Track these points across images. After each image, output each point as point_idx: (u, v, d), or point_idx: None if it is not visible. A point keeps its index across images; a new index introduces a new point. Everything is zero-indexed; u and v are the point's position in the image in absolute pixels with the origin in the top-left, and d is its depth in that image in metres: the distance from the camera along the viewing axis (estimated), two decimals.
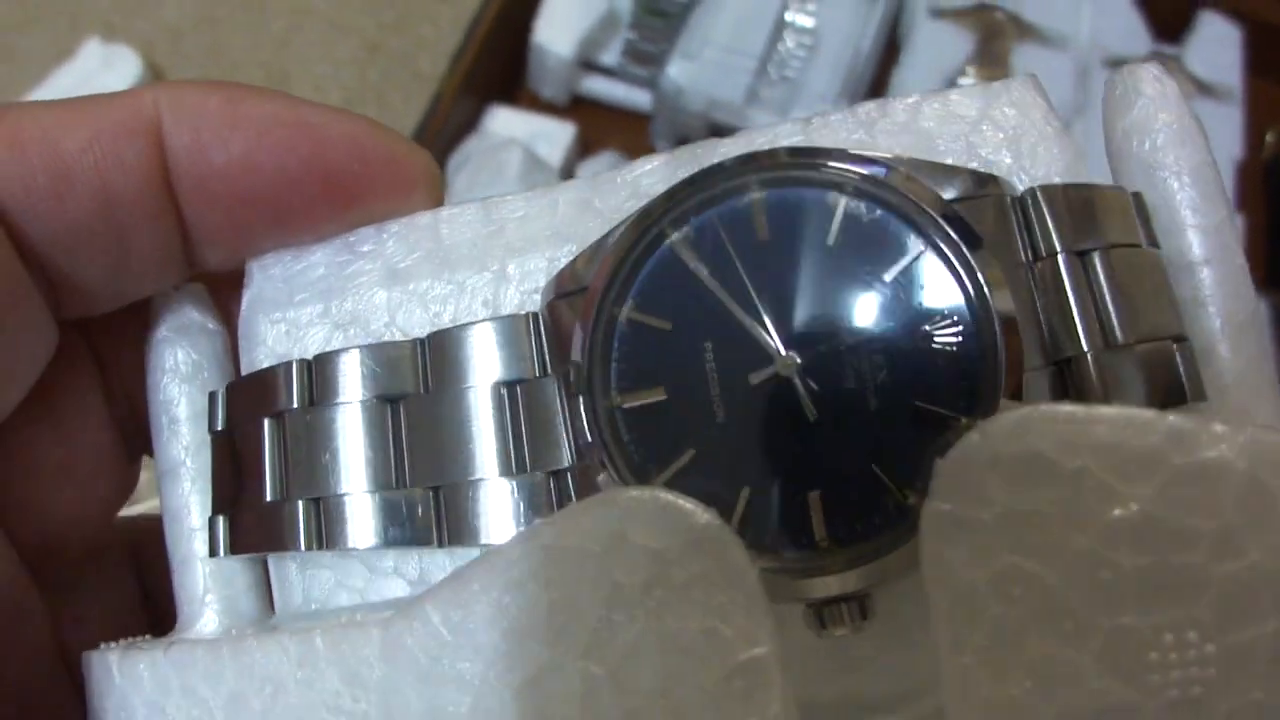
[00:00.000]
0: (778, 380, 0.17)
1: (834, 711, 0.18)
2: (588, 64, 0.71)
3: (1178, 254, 0.19)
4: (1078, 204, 0.18)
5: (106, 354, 0.22)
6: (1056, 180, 0.19)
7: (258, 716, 0.18)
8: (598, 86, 0.70)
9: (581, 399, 0.18)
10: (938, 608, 0.16)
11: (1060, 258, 0.18)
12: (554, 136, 0.67)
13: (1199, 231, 0.19)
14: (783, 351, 0.18)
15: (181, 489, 0.21)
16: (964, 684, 0.15)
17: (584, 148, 0.70)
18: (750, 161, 0.19)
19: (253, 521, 0.20)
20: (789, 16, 0.67)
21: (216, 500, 0.21)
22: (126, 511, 0.24)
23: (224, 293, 0.23)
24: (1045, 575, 0.16)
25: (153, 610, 0.24)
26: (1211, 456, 0.15)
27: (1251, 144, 0.65)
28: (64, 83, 0.64)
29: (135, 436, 0.23)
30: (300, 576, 0.20)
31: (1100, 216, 0.18)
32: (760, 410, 0.17)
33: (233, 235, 0.20)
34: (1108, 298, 0.18)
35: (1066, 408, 0.16)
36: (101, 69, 0.65)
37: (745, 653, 0.15)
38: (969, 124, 0.20)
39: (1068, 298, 0.18)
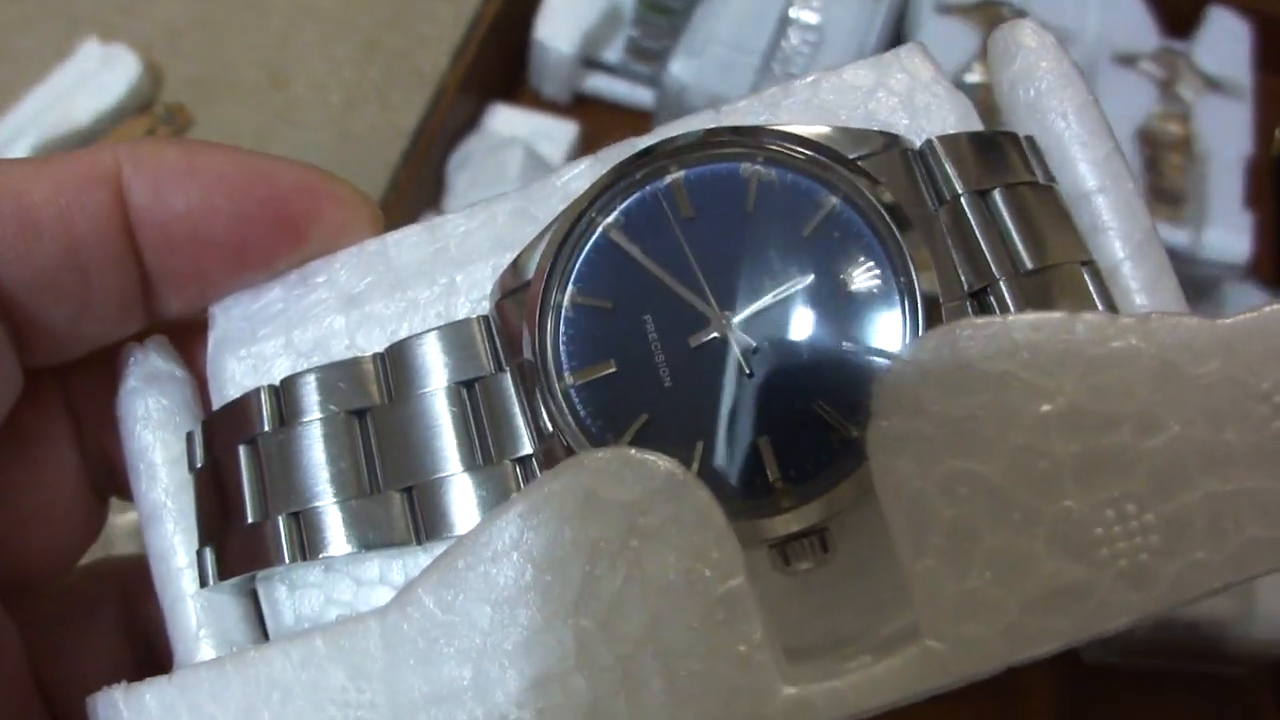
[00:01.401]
0: (716, 341, 0.19)
1: (810, 651, 0.18)
2: (590, 61, 0.70)
3: (1073, 186, 0.20)
4: (974, 148, 0.20)
5: (76, 399, 0.23)
6: (950, 129, 0.21)
7: None
8: (600, 84, 0.70)
9: (537, 384, 0.19)
10: (894, 519, 0.17)
11: (963, 198, 0.19)
12: (556, 135, 0.66)
13: (1089, 164, 0.20)
14: (718, 313, 0.19)
15: (165, 530, 0.22)
16: (929, 585, 0.17)
17: (586, 145, 0.68)
18: (667, 146, 0.20)
19: (238, 545, 0.21)
20: (793, 13, 0.67)
21: (203, 532, 0.21)
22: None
23: (186, 340, 0.23)
24: (988, 473, 0.17)
25: (137, 643, 0.25)
26: (1121, 345, 0.17)
27: (1262, 140, 0.64)
28: (63, 82, 0.64)
29: (104, 477, 0.24)
30: (290, 598, 0.21)
31: (996, 158, 0.20)
32: (704, 370, 0.19)
33: (193, 278, 0.22)
34: (1013, 230, 0.19)
35: (985, 318, 0.17)
36: (100, 68, 0.65)
37: (723, 586, 0.17)
38: (865, 93, 0.21)
39: (974, 234, 0.19)
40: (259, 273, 0.22)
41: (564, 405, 0.19)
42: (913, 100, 0.21)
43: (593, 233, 0.20)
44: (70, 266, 0.20)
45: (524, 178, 0.60)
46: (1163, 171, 0.61)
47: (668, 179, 0.20)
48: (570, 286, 0.20)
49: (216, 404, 0.23)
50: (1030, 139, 0.21)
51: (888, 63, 0.21)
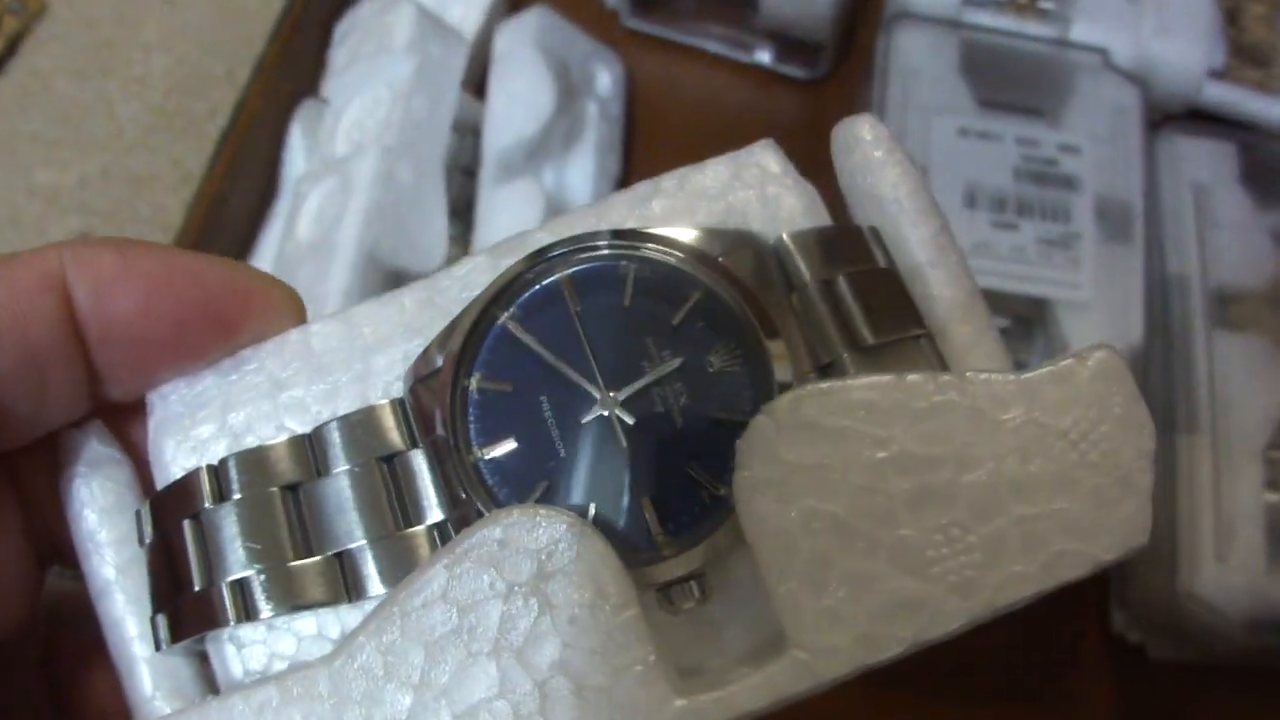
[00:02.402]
0: (602, 418, 0.22)
1: (697, 672, 0.21)
2: None
3: (910, 263, 0.23)
4: (820, 242, 0.23)
5: (20, 479, 0.25)
6: (800, 222, 0.24)
7: None
8: None
9: (449, 458, 0.22)
10: (760, 551, 0.20)
11: (810, 287, 0.23)
12: None
13: (920, 241, 0.23)
14: (604, 393, 0.22)
15: (116, 604, 0.24)
16: (792, 605, 0.20)
17: (511, 3, 0.61)
18: (556, 249, 0.23)
19: (188, 611, 0.23)
20: None
21: (155, 600, 0.23)
22: None
23: (124, 419, 0.26)
24: (835, 510, 0.20)
25: (60, 698, 0.27)
26: (941, 399, 0.20)
27: None
28: None
29: (46, 550, 0.26)
30: (238, 655, 0.23)
31: (840, 249, 0.23)
32: (593, 443, 0.22)
33: (134, 371, 0.24)
34: (855, 311, 0.22)
35: (827, 383, 0.21)
36: None
37: (621, 616, 0.20)
38: (724, 187, 0.24)
39: (821, 317, 0.22)
40: (194, 363, 0.24)
41: (474, 476, 0.22)
42: (765, 192, 0.24)
43: (494, 325, 0.23)
44: (28, 366, 0.22)
45: (414, 47, 0.51)
46: (1244, 26, 0.56)
47: (556, 276, 0.23)
48: (475, 373, 0.23)
49: (160, 484, 0.24)
50: (873, 229, 0.24)
51: (742, 160, 0.25)
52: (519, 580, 0.20)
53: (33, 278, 0.23)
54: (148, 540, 0.24)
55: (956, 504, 0.20)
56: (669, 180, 0.25)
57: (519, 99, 0.52)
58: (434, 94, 0.51)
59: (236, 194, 0.56)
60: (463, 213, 0.53)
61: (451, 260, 0.51)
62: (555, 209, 0.54)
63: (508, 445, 0.22)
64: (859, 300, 0.22)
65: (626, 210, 0.24)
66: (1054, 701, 0.50)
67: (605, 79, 0.57)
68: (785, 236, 0.23)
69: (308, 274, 0.48)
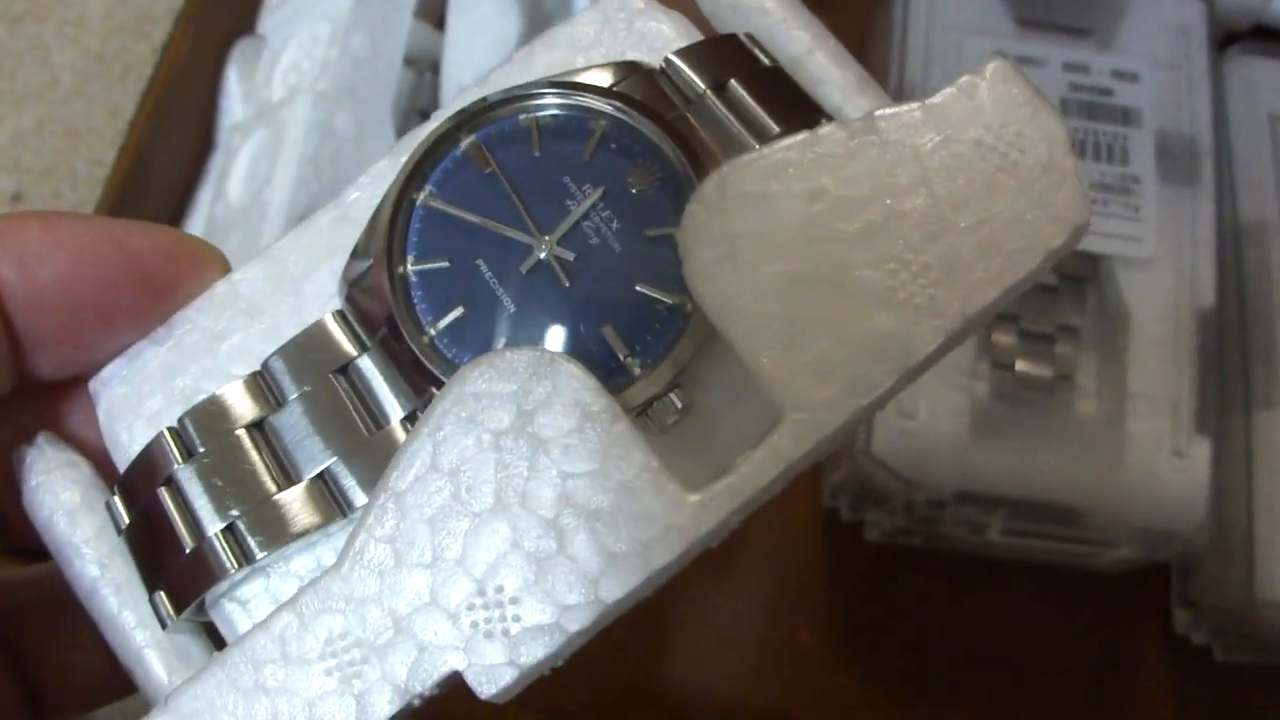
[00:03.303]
0: (541, 262, 0.22)
1: (696, 485, 0.20)
2: None
3: (790, 56, 0.23)
4: (705, 53, 0.24)
5: None
6: (678, 45, 0.24)
7: None
8: None
9: (403, 345, 0.22)
10: (727, 332, 0.20)
11: (707, 95, 0.23)
12: None
13: (796, 31, 0.23)
14: (540, 238, 0.22)
15: (108, 600, 0.23)
16: (774, 373, 0.20)
17: None
18: (455, 119, 0.23)
19: (185, 575, 0.22)
20: None
21: (150, 579, 0.23)
22: None
23: (61, 400, 0.25)
24: (789, 269, 0.20)
25: (24, 680, 0.26)
26: (856, 142, 0.21)
27: None
28: None
29: (7, 534, 0.26)
30: (243, 611, 0.22)
31: (724, 56, 0.23)
32: (540, 288, 0.22)
33: (65, 340, 0.24)
34: (753, 107, 0.22)
35: (746, 155, 0.21)
36: None
37: (612, 429, 0.20)
38: (597, 34, 0.24)
39: (724, 119, 0.22)
40: (127, 330, 0.24)
41: (431, 353, 0.22)
42: (636, 27, 0.24)
43: (414, 208, 0.23)
44: None
45: None
46: None
47: (463, 145, 0.23)
48: (408, 255, 0.22)
49: (123, 468, 0.24)
50: (748, 34, 0.24)
51: (607, 4, 0.25)
52: (502, 428, 0.20)
53: None
54: (125, 524, 0.23)
55: (902, 233, 0.20)
56: (540, 42, 0.25)
57: (481, 28, 0.45)
58: (379, 28, 0.44)
59: (164, 149, 0.49)
60: None
61: None
62: None
63: (456, 314, 0.22)
64: (756, 97, 0.23)
65: (512, 77, 0.24)
66: (1110, 706, 0.45)
67: (582, 2, 0.50)
68: (670, 56, 0.23)
69: (239, 240, 0.42)
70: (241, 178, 0.44)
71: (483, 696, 0.20)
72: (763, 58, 0.24)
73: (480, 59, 0.45)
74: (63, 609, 0.25)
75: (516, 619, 0.19)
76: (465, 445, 0.20)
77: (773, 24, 0.24)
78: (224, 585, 0.22)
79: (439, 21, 0.49)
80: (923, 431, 0.38)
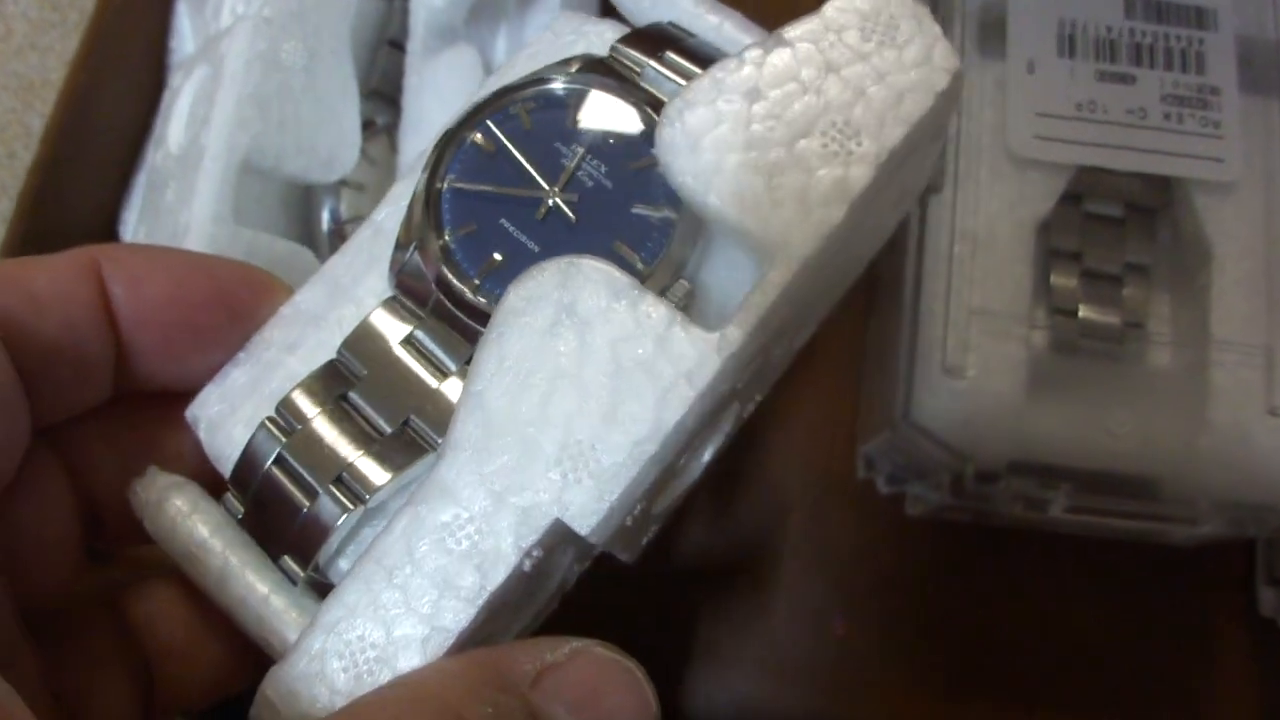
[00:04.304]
0: (551, 208, 0.26)
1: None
2: None
3: (707, 30, 0.28)
4: (643, 36, 0.28)
5: (64, 449, 0.28)
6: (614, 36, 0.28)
7: None
8: None
9: (455, 300, 0.26)
10: (712, 211, 0.24)
11: (649, 66, 0.27)
12: None
13: (709, 15, 0.28)
14: (548, 189, 0.26)
15: (237, 582, 0.25)
16: (751, 228, 0.24)
17: None
18: (460, 120, 0.28)
19: (307, 532, 0.25)
20: None
21: (273, 551, 0.25)
22: None
23: (159, 410, 0.28)
24: (748, 157, 0.24)
25: (135, 651, 0.28)
26: (770, 55, 0.24)
27: None
28: None
29: (92, 525, 0.28)
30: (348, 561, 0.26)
31: (656, 36, 0.28)
32: (554, 229, 0.26)
33: (161, 354, 0.27)
34: (690, 66, 0.26)
35: (690, 83, 0.25)
36: None
37: (643, 298, 0.23)
38: (551, 44, 0.29)
39: (668, 79, 0.26)
40: (212, 348, 0.27)
41: (483, 299, 0.25)
42: (582, 33, 0.29)
43: (442, 192, 0.27)
44: (70, 340, 0.25)
45: None
46: None
47: (469, 139, 0.27)
48: (445, 230, 0.26)
49: (229, 474, 0.26)
50: (671, 22, 0.28)
51: (555, 26, 0.30)
52: (549, 319, 0.23)
53: (71, 266, 0.26)
54: (241, 513, 0.26)
55: (826, 108, 0.24)
56: (504, 67, 0.29)
57: None
58: None
59: (108, 98, 0.44)
60: (394, 97, 0.41)
61: (372, 155, 0.39)
62: None
63: (495, 263, 0.26)
64: (689, 59, 0.26)
65: (488, 89, 0.28)
66: (1189, 697, 0.40)
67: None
68: (614, 43, 0.28)
69: (176, 190, 0.36)
70: (183, 121, 0.38)
71: (584, 534, 0.23)
72: (686, 36, 0.28)
73: None
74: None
75: (597, 462, 0.22)
76: (523, 341, 0.23)
77: (685, 11, 0.28)
78: (341, 533, 0.25)
79: None
80: (972, 392, 0.32)
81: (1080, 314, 0.35)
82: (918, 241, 0.34)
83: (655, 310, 0.23)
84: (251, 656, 0.27)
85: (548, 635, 0.23)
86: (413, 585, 0.23)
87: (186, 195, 0.35)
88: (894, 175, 0.25)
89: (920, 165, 0.28)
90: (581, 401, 0.23)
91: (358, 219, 0.39)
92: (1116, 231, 0.36)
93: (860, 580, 0.41)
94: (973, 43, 0.36)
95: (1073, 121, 0.35)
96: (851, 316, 0.41)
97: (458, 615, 0.23)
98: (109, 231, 0.44)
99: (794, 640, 0.40)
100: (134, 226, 0.42)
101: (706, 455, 0.27)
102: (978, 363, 0.33)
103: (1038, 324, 0.34)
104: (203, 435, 0.27)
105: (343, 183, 0.39)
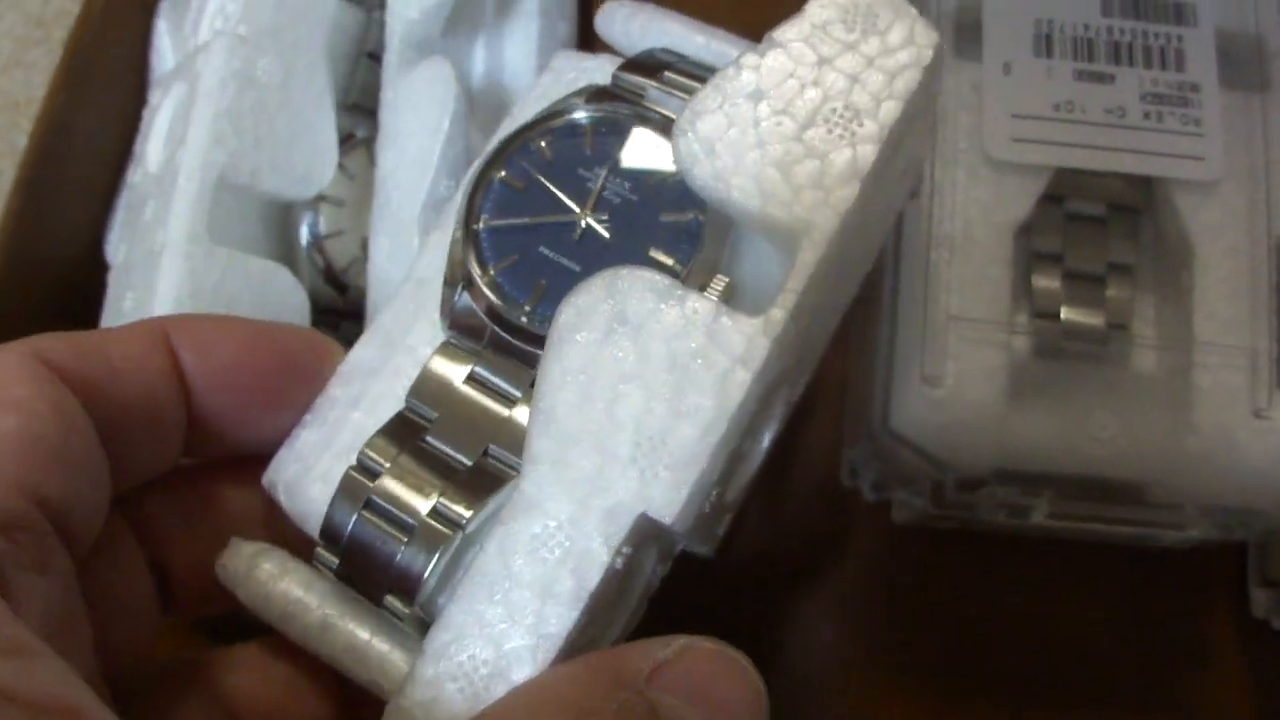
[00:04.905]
0: (584, 228, 0.28)
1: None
2: None
3: (697, 50, 0.30)
4: (641, 62, 0.30)
5: (138, 516, 0.28)
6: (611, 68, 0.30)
7: None
8: None
9: (510, 329, 0.27)
10: (737, 205, 0.26)
11: (649, 88, 0.29)
12: None
13: (696, 36, 0.30)
14: (579, 212, 0.28)
15: (339, 631, 0.26)
16: (777, 216, 0.25)
17: None
18: (484, 163, 0.30)
19: (407, 565, 0.26)
20: None
21: (374, 595, 0.26)
22: None
23: (232, 474, 0.30)
24: (764, 155, 0.26)
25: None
26: (765, 57, 0.26)
27: None
28: None
29: (169, 594, 0.29)
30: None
31: (653, 61, 0.30)
32: (589, 248, 0.28)
33: (230, 416, 0.28)
34: (691, 83, 0.28)
35: (696, 95, 0.27)
36: None
37: (687, 297, 0.25)
38: (553, 82, 0.32)
39: (670, 99, 0.29)
40: (280, 410, 0.29)
41: (537, 323, 0.27)
42: (582, 69, 0.32)
43: (479, 232, 0.29)
44: (145, 407, 0.26)
45: None
46: None
47: (496, 178, 0.29)
48: (489, 265, 0.28)
49: (315, 529, 0.27)
50: (662, 48, 0.30)
51: (554, 65, 0.32)
52: (603, 328, 0.24)
53: (143, 335, 0.27)
54: (336, 565, 0.26)
55: (824, 97, 0.26)
56: (515, 109, 0.32)
57: None
58: None
59: (88, 118, 0.43)
60: (374, 110, 0.41)
61: (350, 170, 0.39)
62: (489, 93, 0.42)
63: (542, 285, 0.27)
64: (688, 76, 0.28)
65: (506, 129, 0.31)
66: (1181, 700, 0.40)
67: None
68: (615, 71, 0.30)
69: (154, 212, 0.36)
70: (161, 139, 0.38)
71: (668, 524, 0.24)
72: (679, 58, 0.30)
73: None
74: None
75: (670, 454, 0.24)
76: (582, 353, 0.24)
77: (673, 36, 0.30)
78: (442, 563, 0.25)
79: None
80: (951, 400, 0.32)
81: (1063, 316, 0.34)
82: (894, 249, 0.33)
83: (700, 305, 0.24)
84: (348, 712, 0.28)
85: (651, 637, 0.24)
86: (514, 598, 0.24)
87: (163, 214, 0.35)
88: (897, 149, 0.26)
89: (918, 137, 0.29)
90: (646, 400, 0.24)
91: (337, 234, 0.39)
92: (1099, 231, 0.35)
93: (848, 585, 0.40)
94: (948, 45, 0.35)
95: (1051, 122, 0.34)
96: (841, 320, 0.41)
97: (561, 620, 0.24)
98: (94, 253, 0.44)
99: (781, 645, 0.40)
100: (115, 246, 0.42)
101: (765, 441, 0.28)
102: (957, 370, 0.32)
103: (1018, 329, 0.34)
104: (282, 498, 0.28)
105: (321, 197, 0.39)
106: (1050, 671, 0.39)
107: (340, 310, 0.40)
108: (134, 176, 0.40)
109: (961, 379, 0.32)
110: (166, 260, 0.34)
